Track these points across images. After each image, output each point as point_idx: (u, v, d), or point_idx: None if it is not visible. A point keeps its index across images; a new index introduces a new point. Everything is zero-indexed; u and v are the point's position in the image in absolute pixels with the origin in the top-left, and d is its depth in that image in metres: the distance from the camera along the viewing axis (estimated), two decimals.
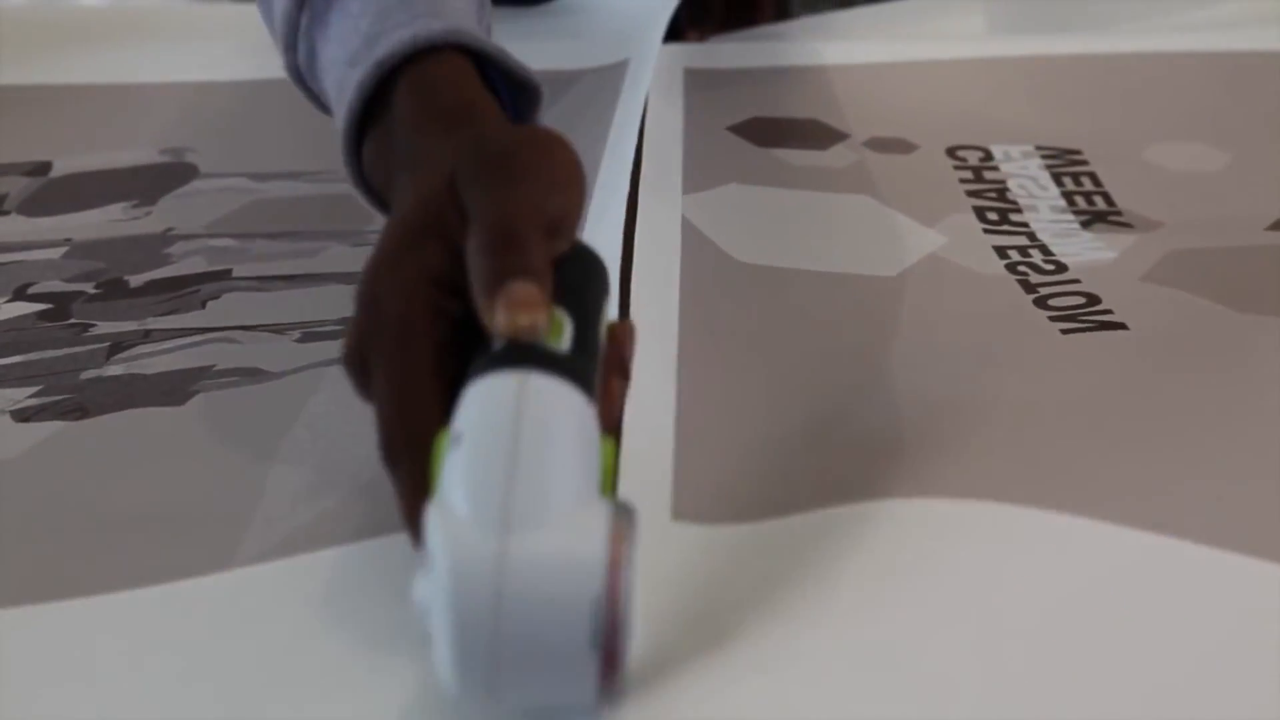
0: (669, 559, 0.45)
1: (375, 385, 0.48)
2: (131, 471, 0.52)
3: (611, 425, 0.48)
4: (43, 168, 0.74)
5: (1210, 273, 0.59)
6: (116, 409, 0.55)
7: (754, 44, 0.85)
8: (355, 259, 0.62)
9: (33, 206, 0.71)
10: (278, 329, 0.59)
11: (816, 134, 0.74)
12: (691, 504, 0.48)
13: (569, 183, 0.51)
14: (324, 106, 0.62)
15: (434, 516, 0.42)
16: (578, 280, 0.49)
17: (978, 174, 0.69)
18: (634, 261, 0.59)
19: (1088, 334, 0.55)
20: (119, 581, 0.46)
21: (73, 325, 0.61)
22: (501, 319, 0.46)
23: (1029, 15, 0.87)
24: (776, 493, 0.48)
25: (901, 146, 0.72)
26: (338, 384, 0.53)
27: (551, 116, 0.75)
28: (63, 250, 0.67)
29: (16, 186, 0.73)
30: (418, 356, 0.48)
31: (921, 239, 0.63)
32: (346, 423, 0.52)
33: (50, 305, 0.63)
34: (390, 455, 0.47)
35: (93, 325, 0.61)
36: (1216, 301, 0.56)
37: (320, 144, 0.74)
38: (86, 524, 0.49)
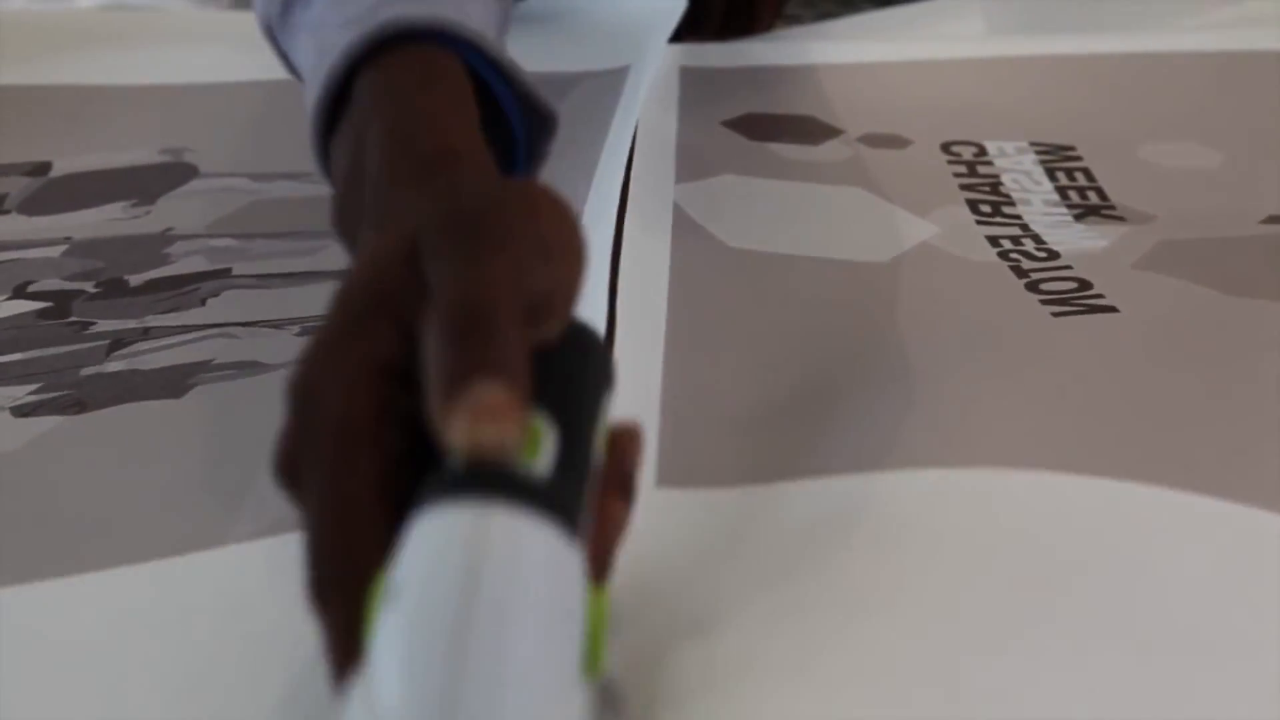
0: (653, 526, 0.44)
1: (307, 502, 0.39)
2: (128, 459, 0.52)
3: (604, 565, 0.39)
4: (42, 168, 0.74)
5: (1202, 260, 0.59)
6: (114, 403, 0.56)
7: (749, 44, 0.85)
8: None
9: (32, 206, 0.71)
10: (276, 324, 0.59)
11: (810, 130, 0.74)
12: (676, 471, 0.47)
13: (562, 252, 0.41)
14: (294, 69, 0.57)
15: (358, 712, 0.34)
16: (569, 375, 0.39)
17: (971, 168, 0.70)
18: (623, 245, 0.60)
19: (1079, 317, 0.55)
20: (111, 559, 0.47)
21: (73, 323, 0.61)
22: (460, 432, 0.36)
23: (1026, 20, 0.87)
24: (763, 461, 0.48)
25: (895, 142, 0.73)
26: None
27: None
28: (62, 248, 0.67)
29: (16, 186, 0.73)
30: (359, 470, 0.38)
31: (914, 228, 0.64)
32: None
33: (50, 304, 0.63)
34: (317, 594, 0.37)
35: (93, 323, 0.61)
36: (1208, 287, 0.57)
37: None
38: (81, 506, 0.50)
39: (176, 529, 0.48)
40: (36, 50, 0.86)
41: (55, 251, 0.67)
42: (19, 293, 0.64)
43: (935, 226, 0.64)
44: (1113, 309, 0.56)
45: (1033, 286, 0.58)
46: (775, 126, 0.74)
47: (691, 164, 0.68)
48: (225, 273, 0.64)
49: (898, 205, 0.66)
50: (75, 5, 0.90)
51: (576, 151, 0.69)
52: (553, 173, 0.66)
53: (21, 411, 0.56)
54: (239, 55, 0.84)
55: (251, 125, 0.78)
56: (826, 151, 0.71)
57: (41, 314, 0.62)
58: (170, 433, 0.53)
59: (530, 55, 0.78)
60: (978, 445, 0.47)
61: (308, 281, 0.62)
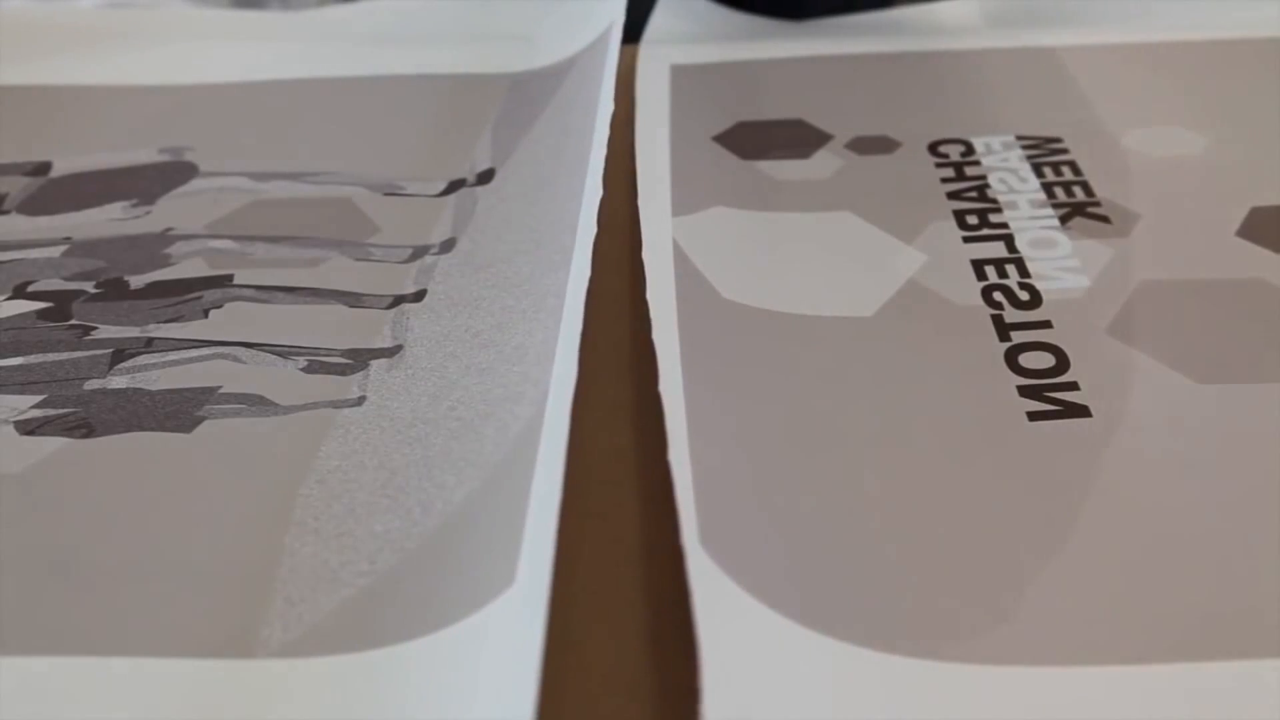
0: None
1: None
2: (141, 510, 0.52)
3: None
4: (43, 168, 0.75)
5: (1176, 324, 0.60)
6: (122, 428, 0.56)
7: (743, 42, 0.86)
8: (357, 276, 0.64)
9: (33, 206, 0.72)
10: (282, 353, 0.60)
11: (800, 139, 0.75)
12: (716, 539, 0.47)
13: None
14: None
15: None
16: None
17: (959, 171, 0.71)
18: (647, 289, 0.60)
19: (1053, 423, 0.55)
20: (125, 645, 0.47)
21: (74, 327, 0.62)
22: None
23: (1020, 14, 0.88)
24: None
25: (884, 145, 0.74)
26: (346, 432, 0.55)
27: (547, 122, 0.75)
28: (63, 248, 0.68)
29: (16, 186, 0.74)
30: None
31: (902, 260, 0.64)
32: (359, 484, 0.53)
33: (50, 304, 0.64)
34: None
35: (94, 329, 0.62)
36: (1175, 369, 0.57)
37: (320, 144, 0.74)
38: (91, 567, 0.50)
39: (195, 623, 0.47)
40: (36, 50, 0.86)
41: (56, 251, 0.68)
42: (19, 293, 0.65)
43: (923, 255, 0.65)
44: (1085, 411, 0.56)
45: (1012, 358, 0.58)
46: (765, 138, 0.75)
47: (686, 192, 0.68)
48: (227, 280, 0.65)
49: (886, 231, 0.66)
50: (75, 5, 0.90)
51: (575, 146, 0.70)
52: (554, 175, 0.66)
53: (27, 428, 0.56)
54: (239, 55, 0.84)
55: (251, 125, 0.78)
56: (816, 166, 0.72)
57: (41, 314, 0.63)
58: (182, 481, 0.53)
59: (513, 52, 0.79)
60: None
61: (310, 299, 0.63)
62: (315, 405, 0.57)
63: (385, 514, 0.51)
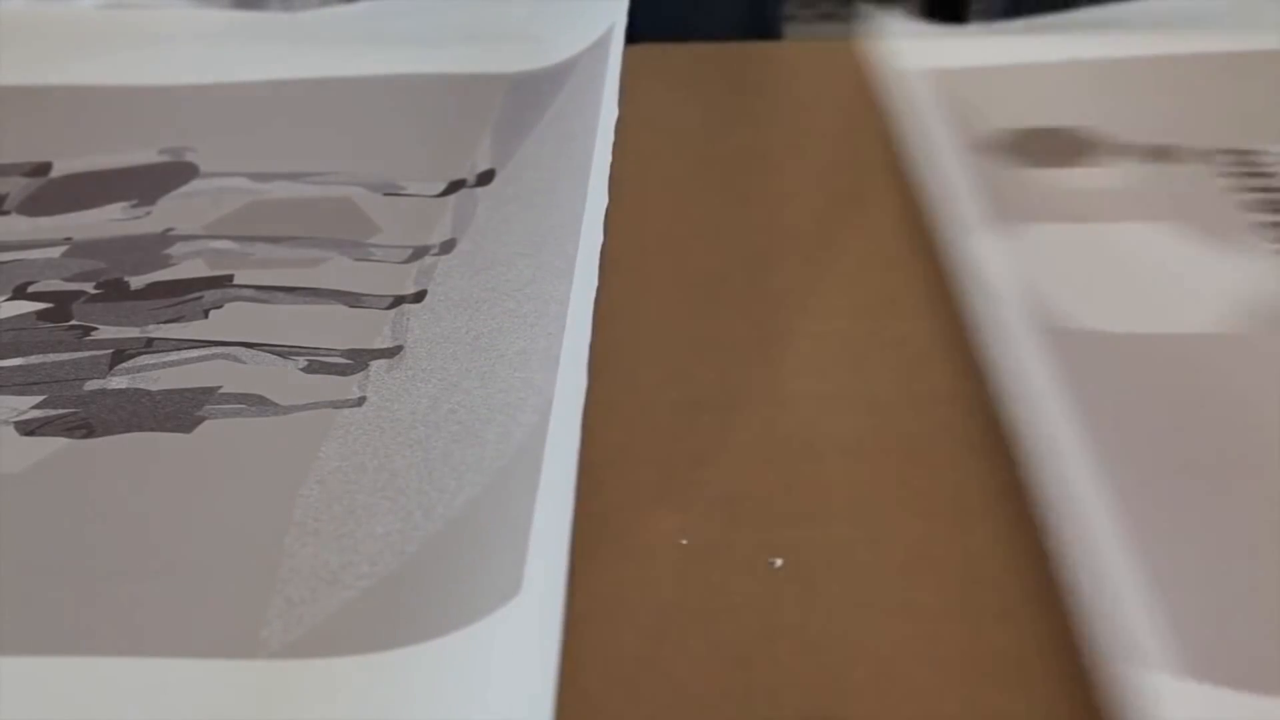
0: None
1: None
2: (141, 510, 0.52)
3: None
4: (43, 168, 0.75)
5: None
6: (123, 429, 0.56)
7: (1001, 38, 0.84)
8: (357, 276, 0.64)
9: (33, 206, 0.72)
10: (282, 353, 0.60)
11: (1080, 147, 0.72)
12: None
13: None
14: None
15: None
16: None
17: (1257, 179, 0.68)
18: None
19: None
20: (125, 645, 0.46)
21: (74, 328, 0.62)
22: None
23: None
24: None
25: (1170, 154, 0.71)
26: (346, 433, 0.54)
27: (549, 124, 0.75)
28: (63, 249, 0.68)
29: (16, 186, 0.73)
30: None
31: (1233, 272, 0.61)
32: (359, 486, 0.52)
33: (50, 304, 0.64)
34: None
35: (94, 329, 0.62)
36: None
37: (321, 145, 0.74)
38: (91, 567, 0.49)
39: (198, 622, 0.47)
40: (36, 50, 0.86)
41: (56, 252, 0.67)
42: (19, 293, 0.65)
43: (1254, 265, 0.62)
44: None
45: None
46: (1047, 146, 0.72)
47: (988, 208, 0.65)
48: (227, 280, 0.64)
49: (1203, 243, 0.63)
50: (75, 5, 0.90)
51: (579, 150, 0.69)
52: (556, 179, 0.66)
53: (27, 428, 0.56)
54: (239, 55, 0.84)
55: (251, 125, 0.78)
56: (1108, 175, 0.69)
57: (41, 315, 0.63)
58: (183, 482, 0.53)
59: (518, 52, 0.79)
60: None
61: (310, 299, 0.63)
62: (315, 405, 0.57)
63: (385, 516, 0.51)
